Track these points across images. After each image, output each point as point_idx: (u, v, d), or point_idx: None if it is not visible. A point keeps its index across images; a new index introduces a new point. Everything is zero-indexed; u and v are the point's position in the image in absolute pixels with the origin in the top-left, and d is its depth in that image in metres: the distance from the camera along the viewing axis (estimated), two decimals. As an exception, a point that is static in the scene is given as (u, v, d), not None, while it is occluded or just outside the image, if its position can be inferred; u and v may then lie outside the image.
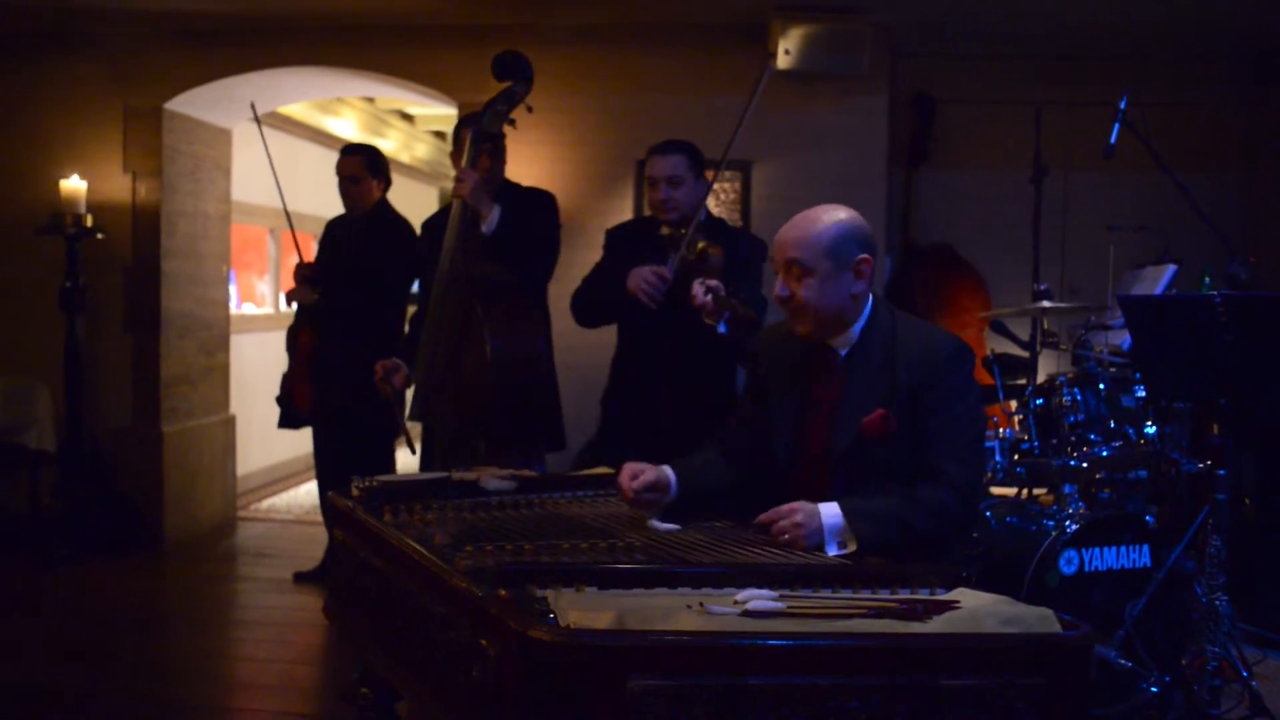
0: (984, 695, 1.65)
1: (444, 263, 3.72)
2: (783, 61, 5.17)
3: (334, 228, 5.09)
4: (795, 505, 2.29)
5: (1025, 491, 4.33)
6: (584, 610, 1.65)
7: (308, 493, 7.30)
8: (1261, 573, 4.18)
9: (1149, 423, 3.86)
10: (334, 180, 4.98)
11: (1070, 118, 5.60)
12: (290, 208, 5.13)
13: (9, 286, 5.83)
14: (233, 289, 6.93)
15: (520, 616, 1.66)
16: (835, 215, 2.45)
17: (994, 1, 5.10)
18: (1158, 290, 4.35)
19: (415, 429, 4.11)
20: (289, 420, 5.06)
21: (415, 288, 4.81)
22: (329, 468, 4.99)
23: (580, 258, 4.30)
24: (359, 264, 4.80)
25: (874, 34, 5.19)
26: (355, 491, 2.63)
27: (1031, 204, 4.91)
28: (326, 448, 5.03)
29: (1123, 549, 3.51)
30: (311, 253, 5.24)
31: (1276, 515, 4.38)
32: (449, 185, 4.35)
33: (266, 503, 7.06)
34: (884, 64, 5.46)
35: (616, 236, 3.89)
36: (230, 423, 6.50)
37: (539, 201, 3.91)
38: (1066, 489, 3.67)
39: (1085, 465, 3.73)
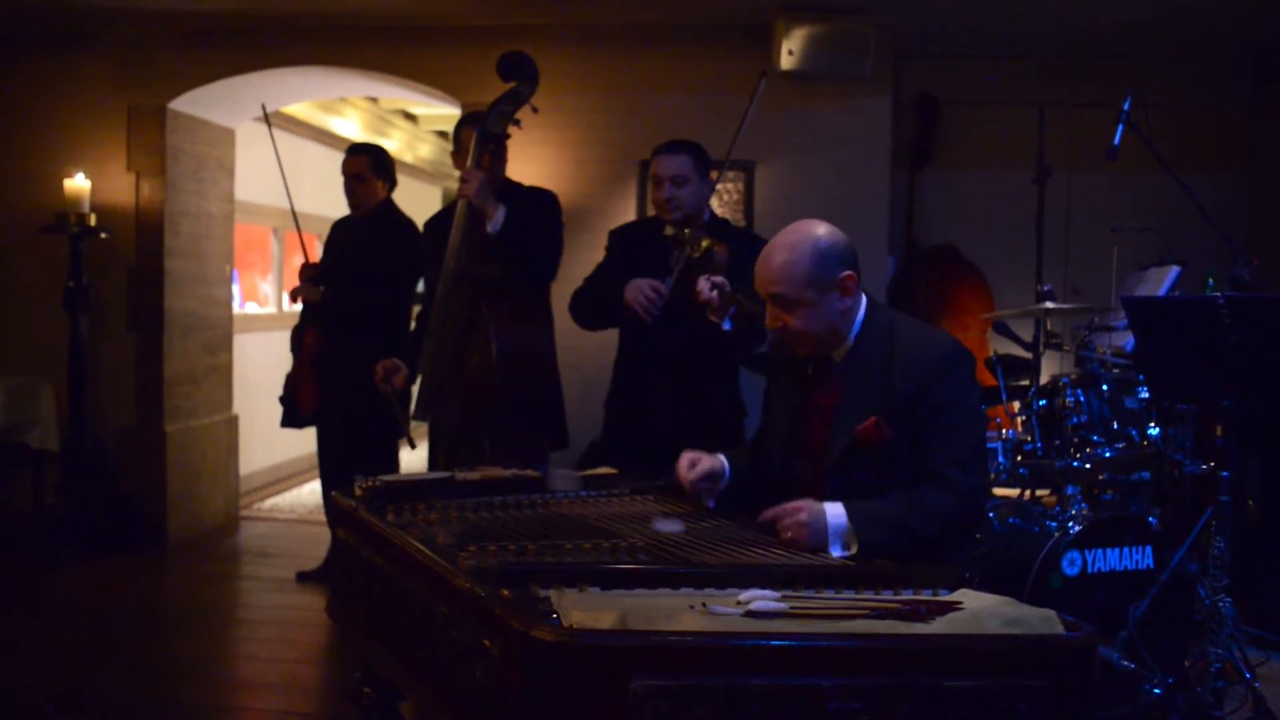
0: (986, 696, 1.65)
1: (449, 262, 3.73)
2: (786, 62, 5.17)
3: (339, 228, 5.10)
4: (800, 504, 2.30)
5: (1028, 493, 4.32)
6: (587, 610, 1.65)
7: (310, 492, 7.31)
8: (1265, 574, 4.18)
9: (1152, 424, 3.86)
10: (337, 180, 4.99)
11: (1073, 118, 5.60)
12: (293, 208, 5.14)
13: (13, 286, 5.84)
14: (236, 289, 6.94)
15: (523, 616, 1.66)
16: (811, 237, 2.43)
17: (997, 2, 5.10)
18: (1161, 291, 4.34)
19: (420, 428, 4.11)
20: (292, 420, 5.07)
21: (420, 287, 4.82)
22: (333, 467, 4.99)
23: (583, 257, 4.30)
24: (364, 263, 4.80)
25: (878, 35, 5.19)
26: (358, 491, 2.64)
27: (1035, 205, 4.90)
28: (330, 447, 5.03)
29: (1126, 550, 3.50)
30: (316, 253, 5.24)
31: (1280, 517, 4.38)
32: (452, 185, 4.35)
33: (269, 502, 7.06)
34: (887, 65, 5.46)
35: (620, 237, 3.89)
36: (233, 422, 6.51)
37: (541, 201, 3.92)
38: (1069, 490, 3.66)
39: (1088, 466, 3.73)
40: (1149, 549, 3.53)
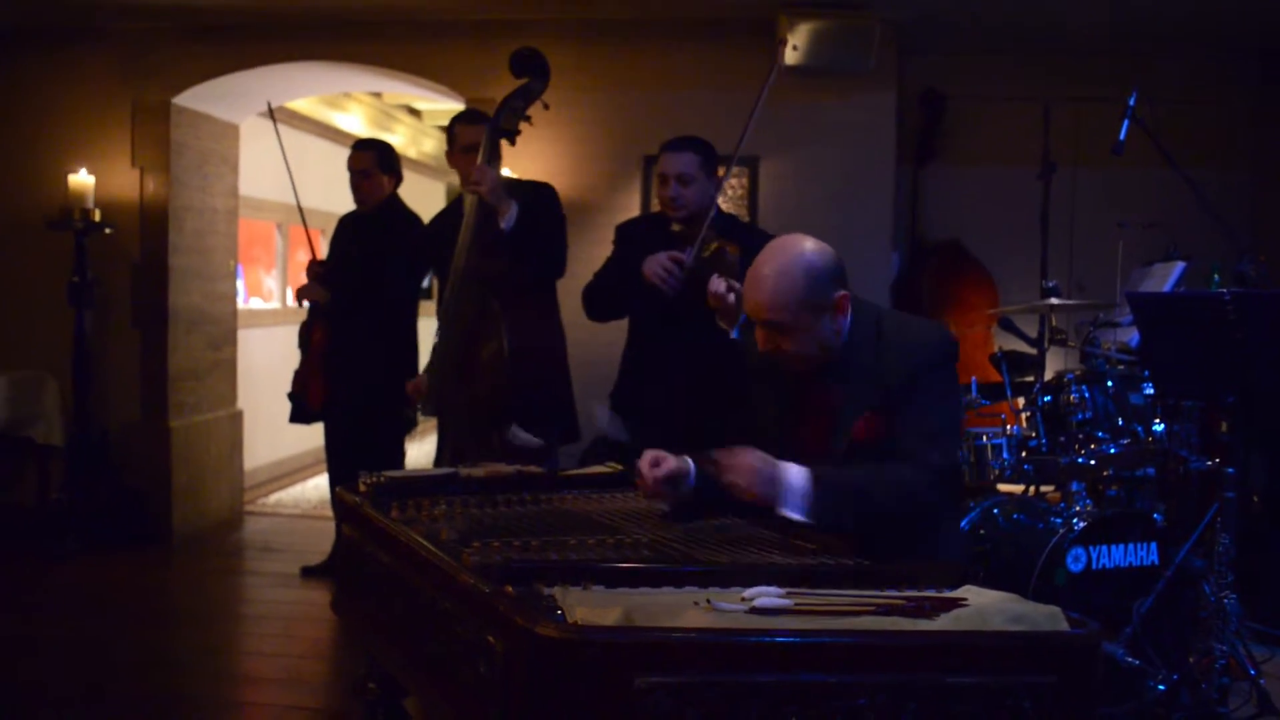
0: (991, 693, 1.64)
1: (459, 259, 3.73)
2: (791, 57, 5.16)
3: (346, 223, 5.10)
4: (751, 450, 2.25)
5: (1033, 489, 4.32)
6: (591, 607, 1.65)
7: (315, 487, 7.32)
8: (1270, 571, 4.17)
9: (1157, 420, 3.85)
10: (341, 175, 4.99)
11: (1079, 114, 5.59)
12: (299, 203, 5.14)
13: (17, 281, 5.85)
14: (240, 284, 6.94)
15: (528, 613, 1.66)
16: (801, 260, 2.38)
17: (1002, -3, 5.10)
18: (1166, 287, 4.33)
19: (427, 422, 4.12)
20: (301, 415, 5.06)
21: (425, 283, 4.82)
22: (340, 462, 5.00)
23: (588, 253, 4.30)
24: (371, 259, 4.80)
25: (882, 30, 5.18)
26: (362, 487, 2.64)
27: (1040, 200, 4.91)
28: (337, 442, 5.04)
29: (1130, 547, 3.50)
30: (321, 248, 5.24)
31: (1285, 513, 4.37)
32: (456, 180, 4.34)
33: (274, 497, 7.07)
34: (892, 60, 5.45)
35: (626, 232, 3.87)
36: (238, 417, 6.52)
37: (541, 194, 3.92)
38: (1074, 486, 3.66)
39: (1093, 463, 3.72)
40: (1154, 545, 3.52)
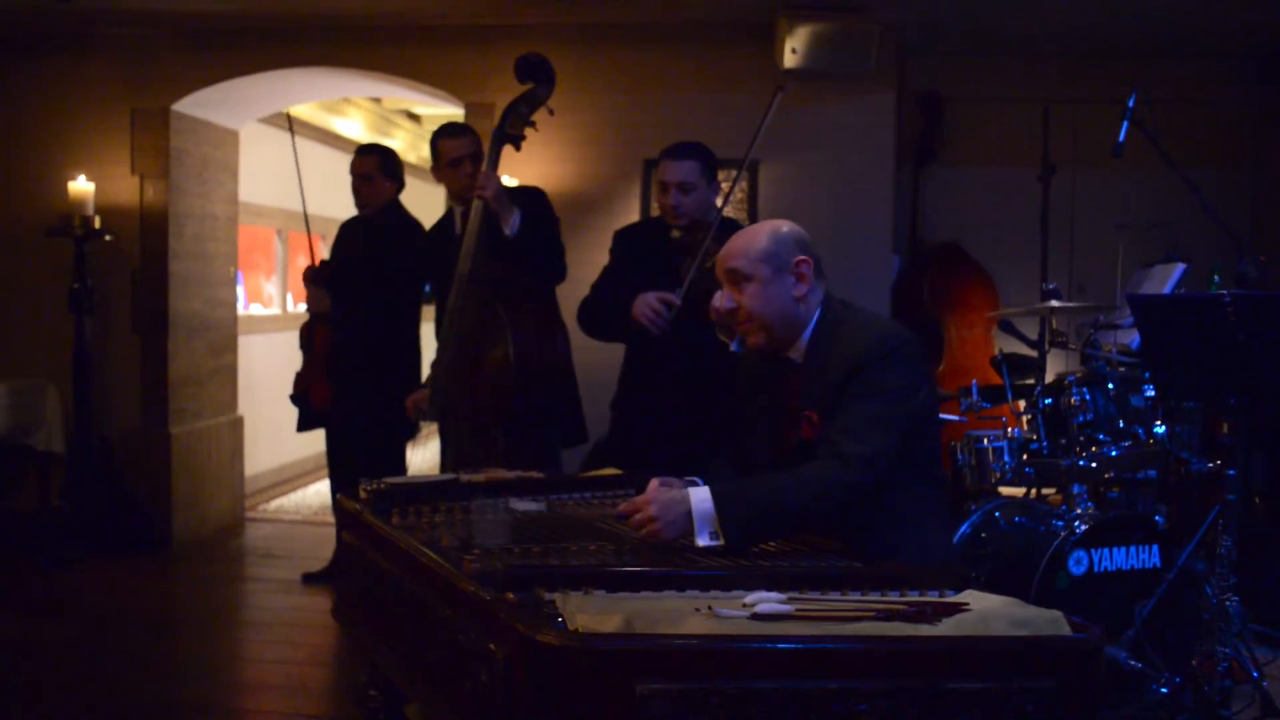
0: (993, 698, 1.64)
1: (464, 264, 3.74)
2: (790, 60, 5.16)
3: (347, 229, 5.10)
4: (651, 496, 2.22)
5: (1034, 492, 4.32)
6: (592, 614, 1.65)
7: (316, 493, 7.32)
8: (1272, 573, 4.16)
9: (1158, 422, 3.85)
10: (340, 181, 4.99)
11: (1078, 116, 5.59)
12: (296, 208, 5.14)
13: (18, 288, 5.85)
14: (240, 290, 6.94)
15: (528, 620, 1.66)
16: (769, 224, 2.51)
17: (1001, 0, 5.09)
18: (1166, 289, 4.33)
19: (430, 429, 4.13)
20: (307, 420, 5.04)
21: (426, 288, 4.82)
22: (342, 468, 5.00)
23: (587, 257, 4.30)
24: (372, 264, 4.80)
25: (881, 32, 5.18)
26: (363, 494, 2.64)
27: (1040, 202, 4.90)
28: (339, 449, 5.03)
29: (1132, 549, 3.50)
30: (322, 254, 5.24)
31: (1287, 515, 4.37)
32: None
33: (275, 503, 7.07)
34: (891, 62, 5.45)
35: (625, 239, 3.86)
36: (238, 423, 6.51)
37: (533, 200, 3.92)
38: (1075, 489, 3.66)
39: (1094, 465, 3.72)
40: (1155, 548, 3.52)
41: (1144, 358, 3.78)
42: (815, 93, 5.41)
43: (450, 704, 1.96)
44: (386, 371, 4.72)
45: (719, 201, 3.72)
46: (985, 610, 1.76)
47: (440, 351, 3.91)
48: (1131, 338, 4.22)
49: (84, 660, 4.12)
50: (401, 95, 6.87)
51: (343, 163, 5.02)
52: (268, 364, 7.16)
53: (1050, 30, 5.54)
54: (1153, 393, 3.86)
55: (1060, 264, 5.64)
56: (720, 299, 3.16)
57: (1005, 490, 4.13)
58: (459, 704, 1.90)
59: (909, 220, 6.00)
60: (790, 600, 1.76)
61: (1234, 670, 3.16)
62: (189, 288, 5.97)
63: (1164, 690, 3.32)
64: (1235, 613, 3.14)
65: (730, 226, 3.77)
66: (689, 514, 2.18)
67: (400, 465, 4.89)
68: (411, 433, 4.76)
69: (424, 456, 7.38)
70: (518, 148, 3.85)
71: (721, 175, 3.75)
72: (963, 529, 3.72)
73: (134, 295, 5.82)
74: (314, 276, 4.96)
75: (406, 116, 8.84)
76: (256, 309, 7.71)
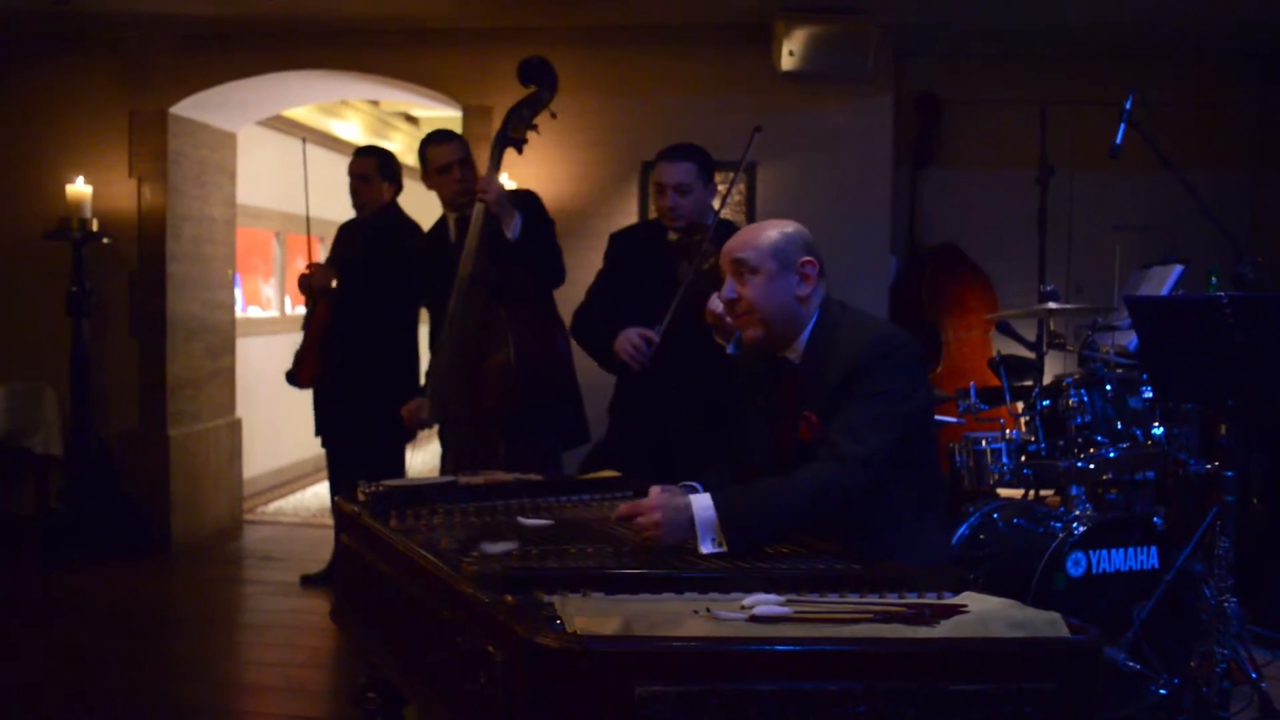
0: (992, 700, 1.64)
1: (465, 267, 3.75)
2: (788, 63, 5.17)
3: (345, 231, 5.10)
4: (655, 501, 2.23)
5: (1032, 493, 4.32)
6: (591, 616, 1.65)
7: (314, 495, 7.32)
8: (1270, 574, 4.17)
9: (1156, 424, 3.85)
10: (338, 183, 5.00)
11: (1076, 117, 5.60)
12: (293, 210, 5.13)
13: (15, 291, 5.85)
14: (238, 292, 6.94)
15: (527, 622, 1.66)
16: (781, 223, 2.52)
17: (999, 1, 5.09)
18: (1164, 291, 4.33)
19: (429, 432, 4.13)
20: (293, 382, 5.02)
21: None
22: (340, 470, 5.00)
23: (585, 259, 4.30)
24: (371, 265, 4.80)
25: (879, 34, 5.18)
26: (361, 496, 2.64)
27: (1037, 204, 4.90)
28: (338, 451, 5.03)
29: (1130, 551, 3.49)
30: (320, 256, 5.24)
31: (1285, 516, 4.37)
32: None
33: (273, 506, 7.07)
34: (889, 64, 5.46)
35: (620, 243, 3.86)
36: (236, 426, 6.51)
37: (528, 203, 3.92)
38: (1073, 490, 3.66)
39: (1092, 467, 3.72)
40: (1154, 549, 3.52)
41: (1142, 359, 3.78)
42: (813, 95, 5.41)
43: (449, 706, 1.96)
44: (385, 374, 4.72)
45: (716, 203, 3.72)
46: (984, 612, 1.76)
47: (438, 355, 3.91)
48: (1129, 339, 4.22)
49: (82, 662, 4.12)
50: (399, 98, 6.87)
51: (340, 165, 5.02)
52: (266, 366, 7.16)
53: (1047, 31, 5.55)
54: (1151, 394, 3.86)
55: (1058, 265, 5.64)
56: (717, 301, 3.17)
57: (1003, 492, 4.13)
58: (458, 706, 1.90)
59: (907, 222, 6.00)
60: (789, 602, 1.76)
61: (1232, 671, 3.17)
62: (187, 290, 5.97)
63: (1162, 691, 3.32)
64: (1234, 614, 3.15)
65: (727, 228, 3.77)
66: (691, 521, 2.19)
67: (399, 468, 4.89)
68: (410, 435, 4.75)
69: (423, 459, 7.37)
70: (519, 151, 3.85)
71: (718, 177, 3.75)
72: (961, 530, 3.72)
73: (132, 298, 5.82)
74: (308, 282, 4.93)
75: (404, 119, 8.84)
76: (254, 311, 7.70)
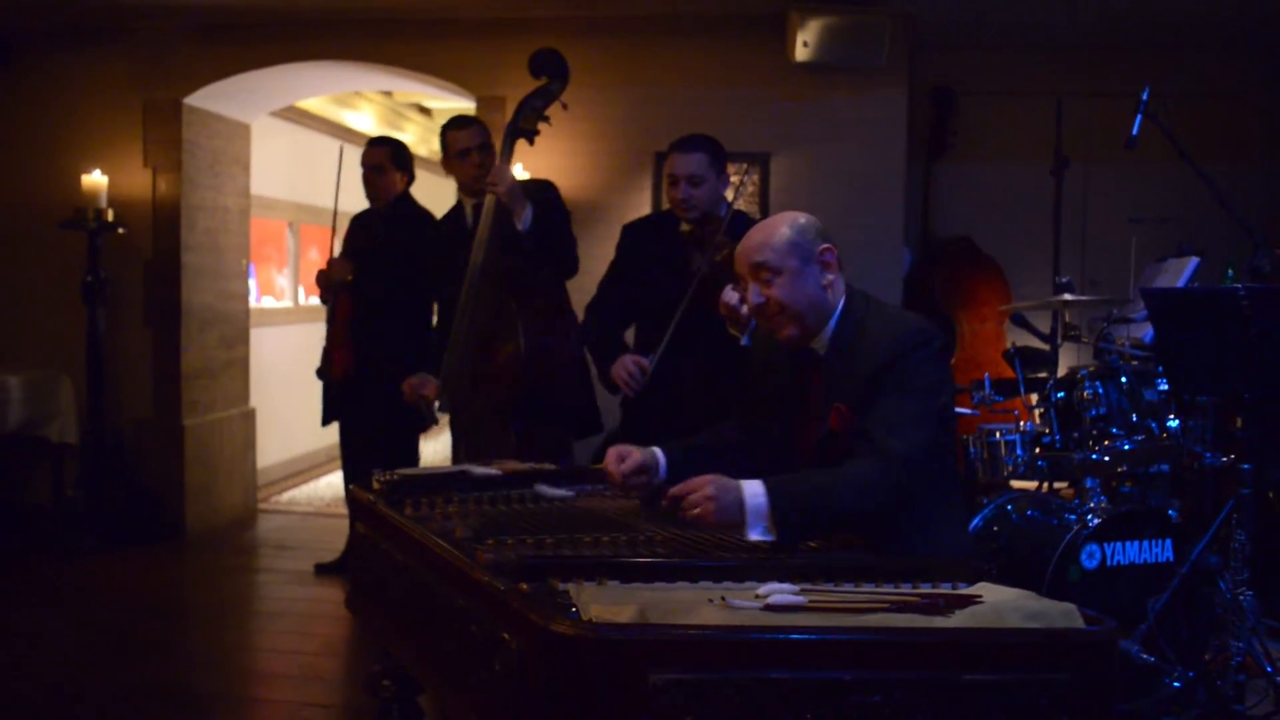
0: (1007, 690, 1.64)
1: (476, 257, 3.75)
2: (801, 54, 5.16)
3: (359, 221, 5.11)
4: (709, 479, 2.21)
5: (1047, 485, 4.30)
6: (606, 604, 1.65)
7: (328, 485, 7.34)
8: (1285, 567, 4.15)
9: (1171, 416, 3.83)
10: (351, 173, 5.00)
11: (1091, 109, 5.57)
12: (307, 201, 5.14)
13: (31, 281, 5.88)
14: (252, 283, 6.96)
15: (542, 610, 1.66)
16: (789, 216, 2.49)
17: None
18: (1180, 283, 4.31)
19: (443, 421, 4.15)
20: (331, 410, 5.03)
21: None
22: (355, 460, 5.01)
23: (598, 250, 4.30)
24: (385, 255, 4.81)
25: (893, 25, 5.17)
26: (376, 485, 2.65)
27: (1052, 196, 4.88)
28: (352, 440, 5.04)
29: (1145, 543, 3.48)
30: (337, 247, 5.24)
31: (1300, 509, 4.34)
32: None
33: (287, 495, 7.09)
34: (903, 56, 5.44)
35: (633, 234, 3.85)
36: (250, 415, 6.54)
37: (544, 193, 3.93)
38: (1088, 483, 3.64)
39: (1107, 459, 3.71)
40: (1169, 542, 3.51)
41: (1157, 351, 3.76)
42: (827, 86, 5.40)
43: (464, 694, 1.96)
44: (403, 364, 4.72)
45: (729, 195, 3.72)
46: (999, 602, 1.75)
47: (451, 344, 3.92)
48: (1145, 331, 4.21)
49: (97, 650, 4.15)
50: (412, 89, 6.87)
51: (353, 156, 5.03)
52: (279, 356, 7.18)
53: (1063, 23, 5.52)
54: (1166, 386, 3.84)
55: (1073, 258, 5.62)
56: (731, 293, 3.16)
57: (1017, 484, 4.12)
58: (472, 694, 1.91)
59: (920, 214, 5.99)
60: (803, 591, 1.76)
61: (1247, 665, 3.15)
62: (201, 280, 5.99)
63: (1177, 685, 3.32)
64: (1249, 607, 3.13)
65: (741, 220, 3.78)
66: (741, 504, 2.17)
67: (413, 457, 4.90)
68: (425, 425, 4.76)
69: (436, 449, 7.39)
70: (531, 142, 3.86)
71: (731, 169, 3.74)
72: (975, 522, 3.71)
73: (146, 287, 5.84)
74: (325, 278, 4.93)
75: (417, 110, 8.84)
76: (268, 302, 7.72)
